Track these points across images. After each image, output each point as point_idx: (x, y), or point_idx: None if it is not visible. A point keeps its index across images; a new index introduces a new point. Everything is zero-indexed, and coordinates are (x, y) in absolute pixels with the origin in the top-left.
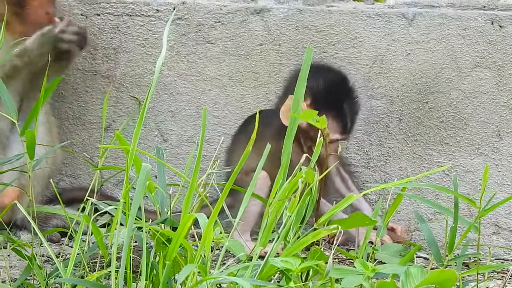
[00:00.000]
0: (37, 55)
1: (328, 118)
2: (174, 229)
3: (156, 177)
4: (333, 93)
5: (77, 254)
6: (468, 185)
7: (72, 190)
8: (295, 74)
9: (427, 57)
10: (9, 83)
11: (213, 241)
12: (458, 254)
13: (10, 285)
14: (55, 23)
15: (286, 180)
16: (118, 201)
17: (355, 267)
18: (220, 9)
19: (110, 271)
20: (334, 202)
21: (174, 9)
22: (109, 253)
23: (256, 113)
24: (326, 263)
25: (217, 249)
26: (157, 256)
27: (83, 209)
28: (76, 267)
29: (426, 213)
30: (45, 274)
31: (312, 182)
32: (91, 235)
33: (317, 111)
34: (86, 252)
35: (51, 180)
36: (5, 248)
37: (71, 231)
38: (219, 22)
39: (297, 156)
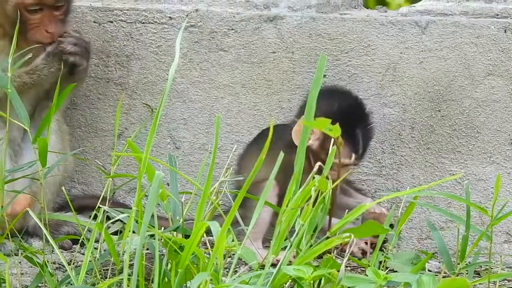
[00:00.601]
0: (46, 74)
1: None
2: (186, 236)
3: (168, 185)
4: (346, 117)
5: (89, 261)
6: (480, 193)
7: (84, 198)
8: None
9: (440, 65)
10: (20, 94)
11: (225, 249)
12: (469, 262)
13: None
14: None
15: (299, 189)
16: (130, 208)
17: (367, 275)
18: (233, 16)
19: (122, 279)
20: (347, 211)
21: (187, 17)
22: (121, 260)
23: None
24: (338, 271)
25: (229, 257)
26: (169, 263)
27: (95, 217)
28: (88, 274)
29: (438, 221)
30: (56, 281)
31: (325, 190)
32: (103, 242)
33: (330, 120)
34: (98, 260)
35: (63, 188)
36: (16, 255)
37: (83, 239)
38: (232, 29)
39: (306, 173)
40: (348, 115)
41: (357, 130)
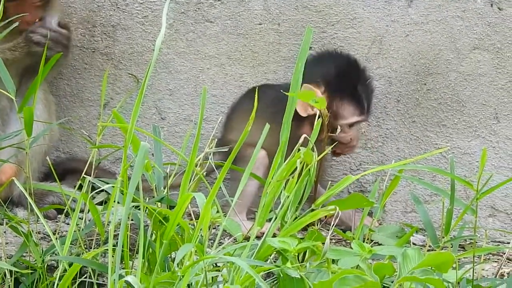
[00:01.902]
0: (26, 52)
1: (344, 103)
2: (171, 207)
3: (153, 155)
4: (345, 78)
5: (74, 231)
6: (465, 167)
7: (69, 161)
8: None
9: (426, 38)
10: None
11: (210, 221)
12: (454, 236)
13: (6, 262)
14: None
15: (285, 161)
16: (115, 176)
17: (352, 248)
18: None
19: (107, 249)
20: (329, 183)
21: None
22: (106, 231)
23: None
24: (323, 244)
25: (213, 228)
26: (153, 234)
27: (80, 186)
28: (73, 244)
29: (422, 195)
30: (41, 251)
31: (311, 163)
32: (88, 212)
33: (316, 91)
34: (82, 230)
35: (47, 158)
36: (1, 224)
37: (68, 208)
38: (218, 0)
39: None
40: (346, 75)
41: (358, 87)
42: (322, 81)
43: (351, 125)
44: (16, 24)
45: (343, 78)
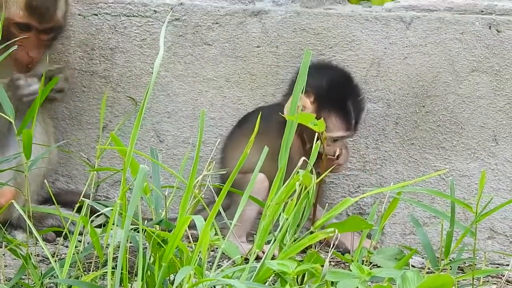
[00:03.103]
0: (20, 94)
1: (331, 115)
2: (169, 230)
3: (151, 178)
4: (336, 91)
5: (73, 254)
6: (464, 189)
7: (67, 193)
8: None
9: (424, 60)
10: None
11: (209, 243)
12: (453, 259)
13: (5, 285)
14: (34, 67)
15: (284, 184)
16: (112, 201)
17: (351, 270)
18: (218, 10)
19: (105, 272)
20: (327, 205)
21: (171, 10)
22: (105, 253)
23: (254, 110)
24: (322, 266)
25: (212, 251)
26: (152, 257)
27: (78, 210)
28: (72, 267)
29: (421, 217)
30: (40, 273)
31: (309, 185)
32: (87, 235)
33: (314, 115)
34: (81, 252)
35: (45, 181)
36: (0, 247)
37: (66, 231)
38: (216, 23)
39: (298, 153)
40: (338, 88)
41: (348, 103)
42: (312, 91)
43: (335, 140)
44: (13, 49)
45: (334, 90)
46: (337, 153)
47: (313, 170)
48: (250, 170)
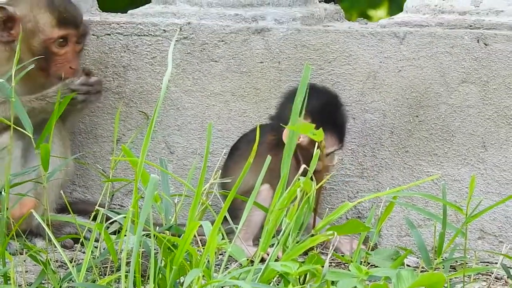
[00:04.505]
0: (54, 101)
1: (326, 134)
2: (179, 235)
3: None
4: (327, 110)
5: (89, 259)
6: (456, 193)
7: (84, 203)
8: (289, 94)
9: (417, 73)
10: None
11: (216, 247)
12: (446, 258)
13: None
14: (77, 76)
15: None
16: (126, 209)
17: (350, 271)
18: (224, 29)
19: (120, 276)
20: (327, 209)
21: (180, 29)
22: (119, 258)
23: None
24: (323, 267)
25: (220, 254)
26: (163, 261)
27: (94, 217)
28: (88, 271)
29: (416, 220)
30: (59, 278)
31: (310, 191)
32: (102, 241)
33: (314, 125)
34: (97, 258)
35: (61, 192)
36: (21, 254)
37: (83, 238)
38: (222, 41)
39: (293, 173)
40: (328, 108)
41: (338, 120)
42: (308, 113)
43: (328, 154)
44: (32, 66)
45: (327, 111)
46: (335, 161)
47: (313, 177)
48: (250, 189)
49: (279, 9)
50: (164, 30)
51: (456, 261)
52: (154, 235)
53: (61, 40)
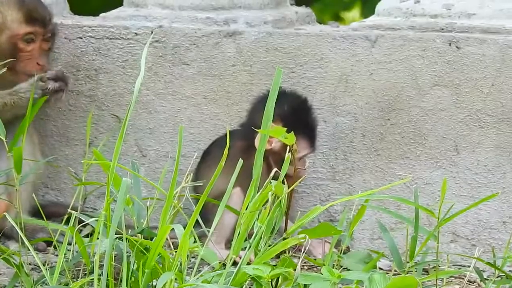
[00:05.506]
0: (27, 97)
1: (298, 138)
2: (151, 238)
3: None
4: (298, 115)
5: (62, 262)
6: (428, 196)
7: (57, 206)
8: (258, 100)
9: (389, 76)
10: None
11: (188, 250)
12: (418, 261)
13: None
14: (46, 71)
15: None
16: (99, 212)
17: (322, 274)
18: (195, 32)
19: (93, 278)
20: (299, 213)
21: (151, 33)
22: (92, 261)
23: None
24: (295, 270)
25: (192, 257)
26: (136, 264)
27: (67, 220)
28: (61, 274)
29: (388, 223)
30: (32, 281)
31: (282, 194)
32: (75, 245)
33: (286, 129)
34: (70, 261)
35: (33, 195)
36: None
37: (56, 241)
38: (194, 44)
39: (265, 177)
40: (299, 112)
41: (309, 124)
42: (279, 118)
43: (300, 158)
44: (11, 60)
45: (297, 115)
46: (306, 165)
47: (285, 181)
48: (222, 194)
49: (251, 12)
50: (135, 33)
51: (429, 265)
52: (126, 238)
53: (28, 37)
